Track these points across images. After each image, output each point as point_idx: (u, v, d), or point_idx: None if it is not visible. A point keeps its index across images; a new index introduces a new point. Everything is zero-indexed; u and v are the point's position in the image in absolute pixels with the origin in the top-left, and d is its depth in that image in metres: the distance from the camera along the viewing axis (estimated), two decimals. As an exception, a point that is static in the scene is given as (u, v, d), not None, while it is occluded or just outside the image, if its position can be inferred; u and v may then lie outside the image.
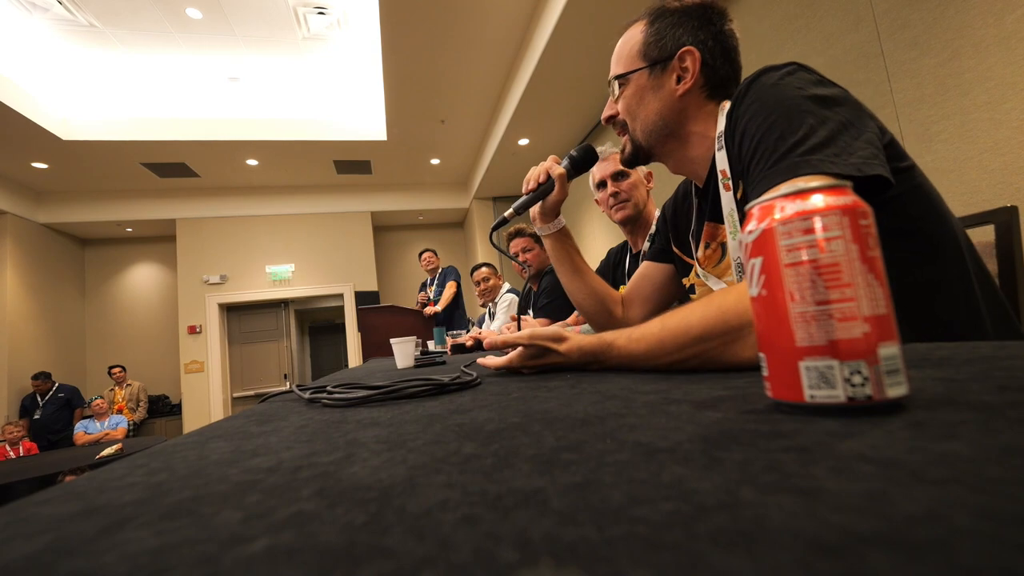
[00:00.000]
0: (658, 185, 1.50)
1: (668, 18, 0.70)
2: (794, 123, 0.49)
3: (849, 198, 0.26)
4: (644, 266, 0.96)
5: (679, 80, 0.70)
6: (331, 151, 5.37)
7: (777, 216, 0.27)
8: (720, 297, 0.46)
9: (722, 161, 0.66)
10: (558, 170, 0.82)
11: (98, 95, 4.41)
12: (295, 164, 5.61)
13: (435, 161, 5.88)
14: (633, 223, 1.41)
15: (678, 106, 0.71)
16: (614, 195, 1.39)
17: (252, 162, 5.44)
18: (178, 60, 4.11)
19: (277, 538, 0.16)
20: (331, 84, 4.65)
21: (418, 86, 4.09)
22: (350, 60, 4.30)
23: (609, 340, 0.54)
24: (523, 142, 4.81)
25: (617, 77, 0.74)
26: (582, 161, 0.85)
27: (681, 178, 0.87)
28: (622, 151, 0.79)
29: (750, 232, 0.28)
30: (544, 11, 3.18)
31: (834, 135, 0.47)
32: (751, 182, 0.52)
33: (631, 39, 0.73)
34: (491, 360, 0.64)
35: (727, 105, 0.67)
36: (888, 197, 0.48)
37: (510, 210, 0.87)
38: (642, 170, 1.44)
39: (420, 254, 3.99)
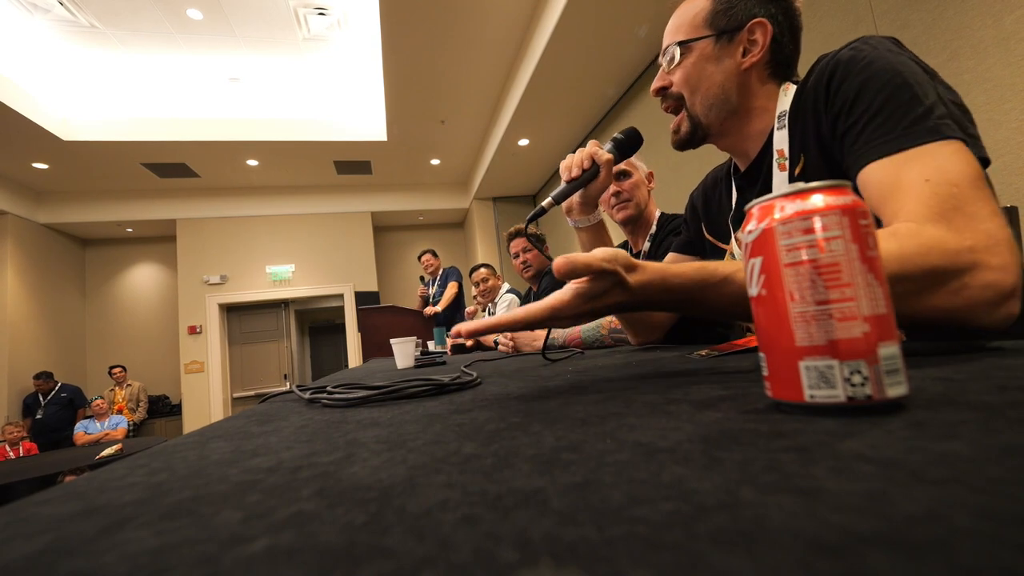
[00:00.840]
0: (658, 184, 1.50)
1: None
2: (925, 87, 0.50)
3: (849, 198, 0.26)
4: (671, 258, 0.95)
5: (745, 53, 0.66)
6: (331, 151, 5.38)
7: (777, 216, 0.27)
8: (919, 231, 0.42)
9: (781, 140, 0.65)
10: (605, 156, 0.75)
11: (99, 95, 4.42)
12: (295, 164, 5.62)
13: (435, 161, 5.88)
14: (634, 223, 1.41)
15: (741, 80, 0.67)
16: (616, 195, 1.39)
17: (252, 162, 5.45)
18: (178, 61, 4.12)
19: (277, 538, 0.16)
20: (331, 84, 4.65)
21: (418, 86, 4.09)
22: (350, 60, 4.30)
23: (718, 270, 0.42)
24: (523, 142, 4.81)
25: (680, 43, 0.69)
26: (629, 145, 0.79)
27: (684, 175, 0.86)
28: (675, 132, 0.73)
29: (750, 232, 0.28)
30: (544, 11, 3.18)
31: (955, 111, 0.50)
32: (878, 137, 0.51)
33: (696, 5, 0.69)
34: (515, 315, 0.43)
35: (791, 87, 0.67)
36: None
37: (549, 199, 0.77)
38: (643, 169, 1.44)
39: (419, 256, 3.99)
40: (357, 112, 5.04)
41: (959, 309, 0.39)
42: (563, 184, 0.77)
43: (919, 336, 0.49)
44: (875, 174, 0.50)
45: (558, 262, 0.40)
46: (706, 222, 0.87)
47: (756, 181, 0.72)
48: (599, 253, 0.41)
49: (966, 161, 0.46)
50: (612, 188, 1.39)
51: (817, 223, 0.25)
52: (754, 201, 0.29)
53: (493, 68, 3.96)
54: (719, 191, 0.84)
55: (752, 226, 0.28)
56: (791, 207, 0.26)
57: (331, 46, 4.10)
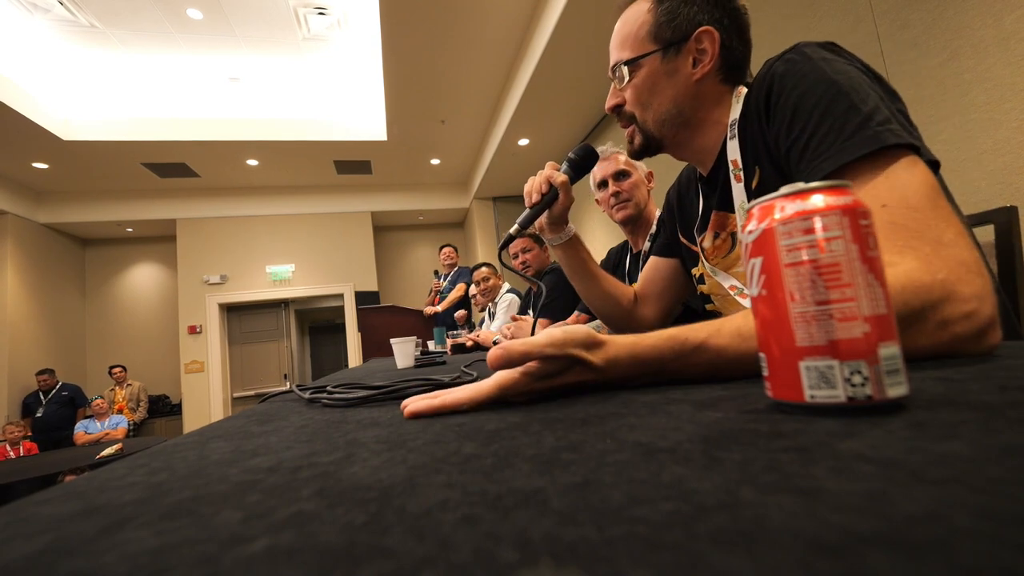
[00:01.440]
0: (658, 182, 1.50)
1: None
2: (861, 94, 0.48)
3: (849, 198, 0.26)
4: (652, 261, 0.94)
5: (695, 64, 0.65)
6: (331, 151, 5.38)
7: (777, 216, 0.27)
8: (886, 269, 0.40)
9: (734, 150, 0.63)
10: (560, 177, 0.77)
11: (99, 95, 4.42)
12: (295, 164, 5.62)
13: (435, 161, 5.88)
14: (634, 223, 1.41)
15: (693, 91, 0.66)
16: (615, 195, 1.39)
17: (252, 162, 5.45)
18: (178, 60, 4.12)
19: (277, 538, 0.16)
20: (331, 84, 4.65)
21: (418, 86, 4.09)
22: (350, 60, 4.30)
23: (689, 337, 0.39)
24: (523, 142, 4.81)
25: (626, 63, 0.67)
26: (583, 163, 0.81)
27: (684, 164, 0.84)
28: (629, 143, 0.73)
29: (750, 232, 0.28)
30: (544, 11, 3.18)
31: (895, 112, 0.48)
32: (820, 154, 0.49)
33: (637, 19, 0.67)
34: (461, 395, 0.40)
35: (743, 91, 0.65)
36: None
37: (515, 226, 0.81)
38: (643, 169, 1.44)
39: (441, 248, 4.00)
40: (357, 112, 5.03)
41: (944, 344, 0.37)
42: (526, 210, 0.80)
43: None
44: None
45: (490, 355, 0.38)
46: (680, 224, 0.85)
47: (716, 188, 0.70)
48: (543, 338, 0.38)
49: (920, 176, 0.44)
50: (611, 188, 1.39)
51: (817, 223, 0.25)
52: (754, 201, 0.29)
53: (493, 68, 3.96)
54: (691, 191, 0.82)
55: (752, 226, 0.28)
56: (791, 207, 0.26)
57: (331, 46, 4.10)
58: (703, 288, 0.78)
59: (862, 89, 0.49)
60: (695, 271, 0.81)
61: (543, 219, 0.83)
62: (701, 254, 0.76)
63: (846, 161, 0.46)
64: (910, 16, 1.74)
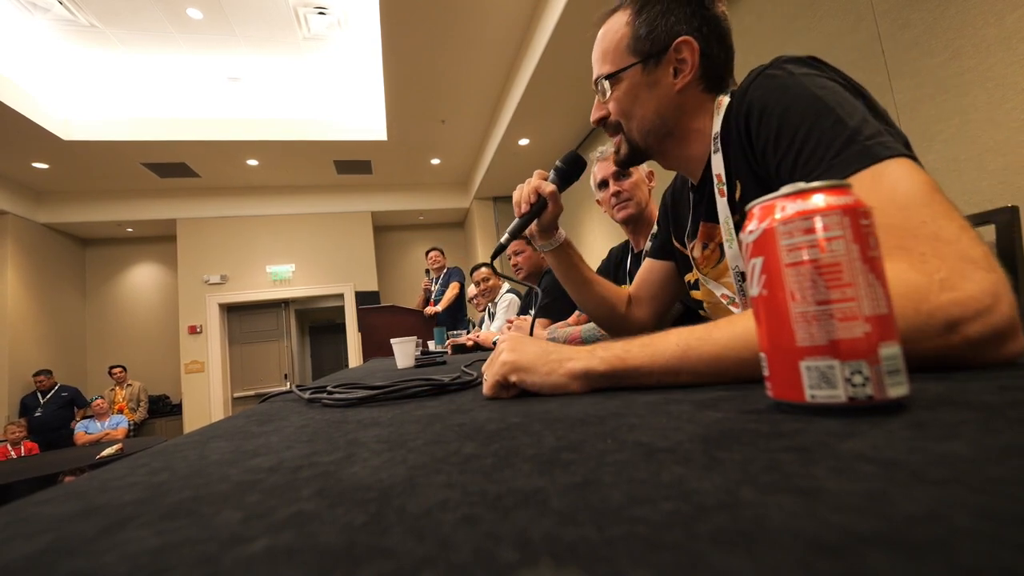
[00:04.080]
0: (659, 182, 1.50)
1: (656, 5, 0.64)
2: (847, 108, 0.47)
3: (850, 198, 0.26)
4: (647, 263, 0.94)
5: (676, 74, 0.65)
6: (331, 151, 5.37)
7: (778, 216, 0.27)
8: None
9: (718, 165, 0.63)
10: (548, 187, 0.78)
11: (98, 95, 4.42)
12: (295, 164, 5.62)
13: (435, 161, 5.88)
14: (635, 222, 1.41)
15: (676, 102, 0.66)
16: (616, 195, 1.39)
17: (252, 162, 5.45)
18: (178, 60, 4.12)
19: (277, 538, 0.16)
20: (331, 84, 4.65)
21: (418, 86, 4.09)
22: (350, 60, 4.30)
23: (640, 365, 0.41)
24: (523, 142, 4.81)
25: (607, 77, 0.68)
26: (570, 172, 0.82)
27: None
28: (616, 152, 0.74)
29: (751, 232, 0.28)
30: (544, 11, 3.18)
31: (881, 125, 0.46)
32: (810, 171, 0.47)
33: (616, 32, 0.67)
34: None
35: (723, 101, 0.64)
36: None
37: (506, 235, 0.83)
38: (644, 169, 1.44)
39: (427, 252, 3.99)
40: (357, 112, 5.03)
41: (956, 350, 0.33)
42: (516, 219, 0.82)
43: None
44: None
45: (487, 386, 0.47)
46: (674, 228, 0.85)
47: (703, 199, 0.70)
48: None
49: (914, 176, 0.40)
50: (612, 188, 1.39)
51: (818, 223, 0.25)
52: (754, 201, 0.29)
53: (493, 68, 3.96)
54: (684, 195, 0.82)
55: (753, 226, 0.28)
56: (792, 207, 0.26)
57: (331, 46, 4.10)
58: (697, 294, 0.79)
59: (847, 103, 0.48)
60: (689, 276, 0.81)
61: (533, 227, 0.84)
62: (692, 262, 0.76)
63: (838, 177, 0.44)
64: (911, 16, 1.74)
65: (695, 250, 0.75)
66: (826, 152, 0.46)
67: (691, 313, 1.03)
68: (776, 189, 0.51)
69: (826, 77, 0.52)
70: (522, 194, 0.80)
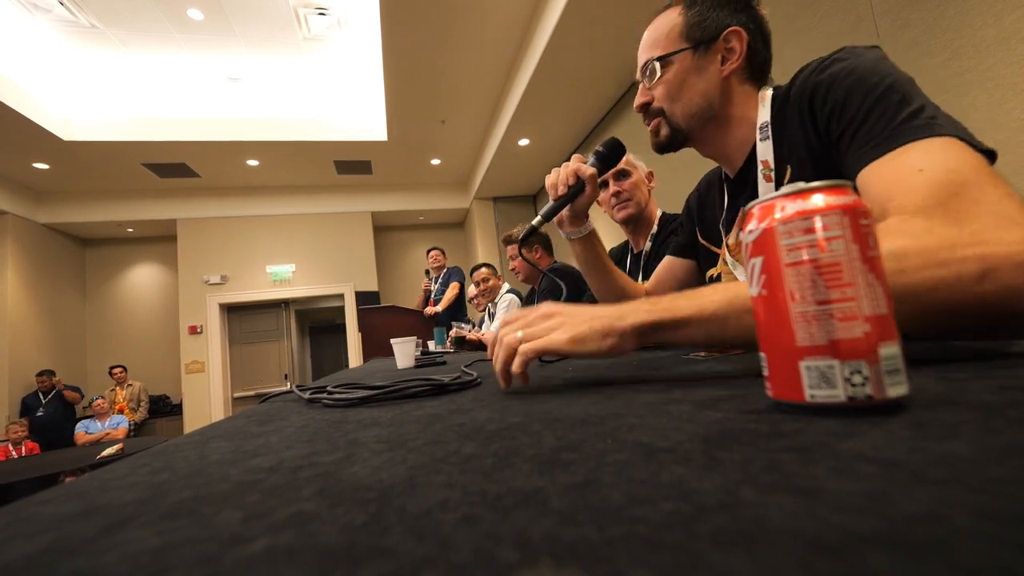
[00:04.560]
0: (660, 182, 1.50)
1: (707, 0, 0.69)
2: (912, 91, 0.50)
3: (849, 197, 0.26)
4: (667, 260, 0.96)
5: (724, 61, 0.69)
6: (331, 151, 5.38)
7: (778, 215, 0.27)
8: (901, 227, 0.37)
9: (765, 151, 0.65)
10: (588, 170, 0.77)
11: (99, 95, 4.42)
12: (295, 164, 5.62)
13: (435, 161, 5.88)
14: (635, 222, 1.41)
15: (721, 88, 0.69)
16: (616, 195, 1.39)
17: (252, 162, 5.45)
18: (179, 60, 4.12)
19: (277, 538, 0.16)
20: (331, 84, 4.65)
21: (418, 86, 4.09)
22: (350, 60, 4.30)
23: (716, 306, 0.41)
24: (523, 142, 4.81)
25: (659, 59, 0.70)
26: (610, 156, 0.81)
27: (684, 173, 0.86)
28: (655, 135, 0.75)
29: (750, 232, 0.28)
30: (544, 11, 3.18)
31: (938, 111, 0.49)
32: (870, 139, 0.50)
33: (668, 22, 0.71)
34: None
35: (767, 95, 0.68)
36: None
37: (538, 218, 0.81)
38: (643, 169, 1.44)
39: (428, 251, 3.99)
40: (357, 112, 5.03)
41: (992, 299, 0.32)
42: (551, 202, 0.80)
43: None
44: (870, 176, 0.49)
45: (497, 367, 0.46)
46: (700, 226, 0.88)
47: (745, 188, 0.72)
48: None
49: (966, 152, 0.43)
50: (612, 188, 1.39)
51: (818, 223, 0.25)
52: (754, 201, 0.29)
53: (493, 68, 3.96)
54: (712, 195, 0.84)
55: (753, 226, 0.28)
56: (792, 207, 0.26)
57: (331, 46, 4.10)
58: None
59: (912, 87, 0.51)
60: (711, 272, 0.82)
61: (564, 213, 0.83)
62: (725, 250, 0.77)
63: (898, 145, 0.46)
64: (911, 16, 1.74)
65: (731, 238, 0.76)
66: (890, 123, 0.48)
67: None
68: (833, 166, 0.53)
69: (891, 65, 0.54)
70: (559, 176, 0.79)
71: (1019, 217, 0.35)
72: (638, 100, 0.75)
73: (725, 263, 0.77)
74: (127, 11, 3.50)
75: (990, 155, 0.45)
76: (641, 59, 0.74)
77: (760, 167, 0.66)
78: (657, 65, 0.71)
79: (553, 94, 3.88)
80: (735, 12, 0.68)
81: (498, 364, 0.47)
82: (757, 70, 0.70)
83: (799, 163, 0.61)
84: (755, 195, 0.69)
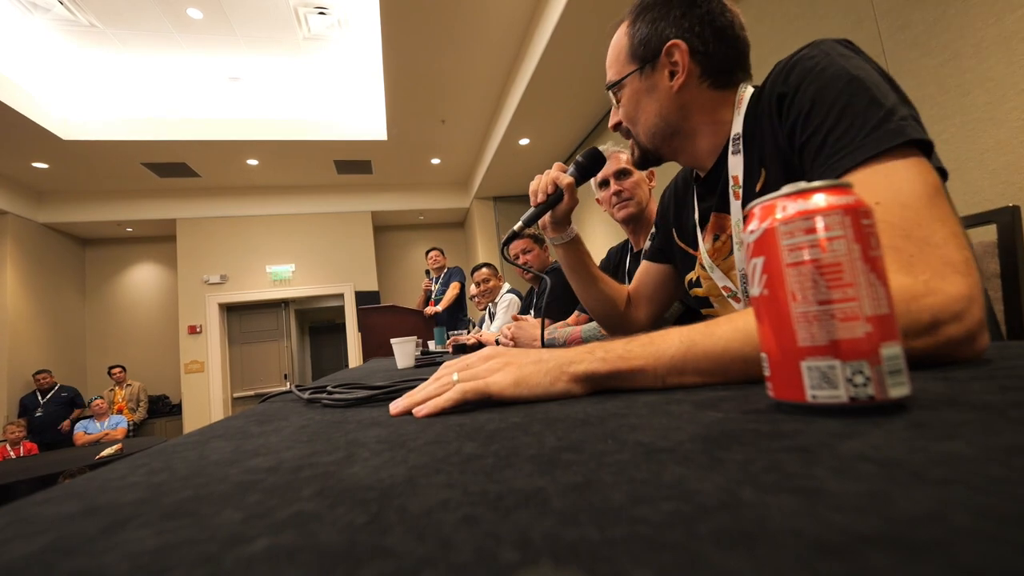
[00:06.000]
0: (659, 181, 1.50)
1: (649, 13, 0.67)
2: (882, 89, 0.48)
3: (851, 197, 0.26)
4: (644, 266, 0.95)
5: (672, 76, 0.66)
6: (331, 151, 5.37)
7: (779, 216, 0.26)
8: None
9: (736, 166, 0.64)
10: (566, 179, 0.79)
11: (98, 95, 4.42)
12: (295, 164, 5.62)
13: (435, 161, 5.88)
14: (635, 222, 1.41)
15: (677, 102, 0.67)
16: (616, 194, 1.39)
17: (252, 162, 5.44)
18: (179, 60, 4.12)
19: (277, 538, 0.16)
20: (331, 84, 4.65)
21: (418, 86, 4.09)
22: (350, 60, 4.30)
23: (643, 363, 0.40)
24: (524, 142, 4.81)
25: (610, 86, 0.71)
26: (589, 167, 0.83)
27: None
28: (631, 154, 0.77)
29: (751, 232, 0.28)
30: (544, 11, 3.18)
31: (910, 111, 0.47)
32: (841, 149, 0.48)
33: (618, 43, 0.71)
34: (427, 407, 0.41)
35: (745, 95, 0.65)
36: None
37: (519, 223, 0.84)
38: (644, 169, 1.44)
39: (427, 252, 4.00)
40: (357, 112, 5.03)
41: (938, 348, 0.35)
42: (531, 208, 0.82)
43: None
44: None
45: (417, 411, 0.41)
46: (676, 227, 0.85)
47: (713, 192, 0.71)
48: (454, 392, 0.40)
49: (923, 176, 0.43)
50: (613, 187, 1.39)
51: (819, 223, 0.25)
52: (755, 201, 0.29)
53: (493, 68, 3.96)
54: (688, 195, 0.82)
55: (754, 226, 0.28)
56: (793, 207, 0.26)
57: (331, 46, 4.10)
58: (699, 291, 0.78)
59: (882, 85, 0.49)
60: (690, 275, 0.80)
61: (546, 218, 0.85)
62: (702, 252, 0.75)
63: (869, 156, 0.45)
64: (911, 16, 1.74)
65: (706, 242, 0.74)
66: (860, 130, 0.47)
67: (691, 312, 1.03)
68: (800, 173, 0.51)
69: (861, 59, 0.53)
70: (540, 184, 0.81)
71: (960, 264, 0.38)
72: (611, 120, 0.76)
73: (703, 267, 0.75)
74: (127, 10, 3.50)
75: (942, 173, 0.46)
76: (606, 81, 0.75)
77: (730, 183, 0.65)
78: (610, 93, 0.72)
79: (553, 94, 3.88)
80: (677, 20, 0.65)
81: (419, 395, 0.43)
82: (720, 72, 0.66)
83: (771, 167, 0.60)
84: (723, 201, 0.68)
